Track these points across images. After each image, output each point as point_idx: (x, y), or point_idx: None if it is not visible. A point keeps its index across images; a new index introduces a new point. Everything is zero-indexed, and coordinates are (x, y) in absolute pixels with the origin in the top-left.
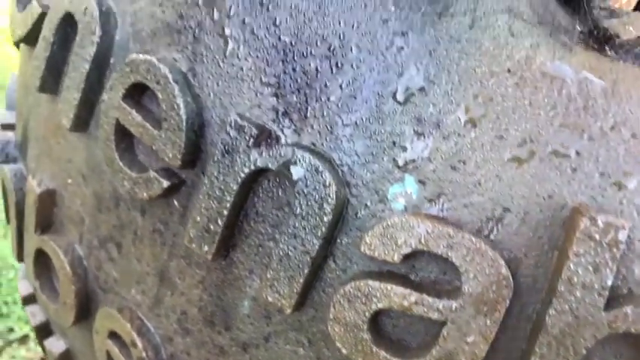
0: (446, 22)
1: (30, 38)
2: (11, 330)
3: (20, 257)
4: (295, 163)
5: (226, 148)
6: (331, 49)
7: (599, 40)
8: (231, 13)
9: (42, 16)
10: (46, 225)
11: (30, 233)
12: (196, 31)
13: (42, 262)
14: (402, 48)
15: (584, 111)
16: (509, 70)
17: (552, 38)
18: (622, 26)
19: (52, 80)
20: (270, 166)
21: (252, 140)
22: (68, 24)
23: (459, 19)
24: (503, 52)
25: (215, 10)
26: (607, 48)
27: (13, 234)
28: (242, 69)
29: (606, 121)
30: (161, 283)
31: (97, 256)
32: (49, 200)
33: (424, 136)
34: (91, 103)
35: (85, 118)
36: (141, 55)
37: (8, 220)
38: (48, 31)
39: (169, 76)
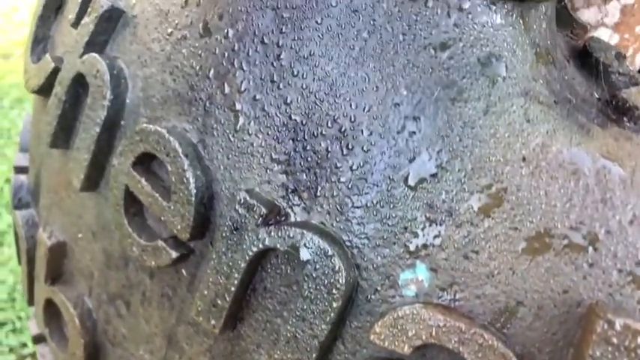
0: (459, 108)
1: (43, 90)
2: (24, 345)
3: (31, 302)
4: (304, 245)
5: (235, 225)
6: (342, 130)
7: (618, 109)
8: (242, 89)
9: (55, 71)
10: (56, 276)
11: (40, 282)
12: (207, 103)
13: (51, 311)
14: (414, 133)
15: (602, 203)
16: (524, 159)
17: (569, 120)
18: None
19: (63, 137)
20: (278, 246)
21: (260, 219)
22: (80, 84)
23: (473, 104)
24: (518, 139)
25: (226, 84)
26: (625, 119)
27: (24, 279)
28: (252, 144)
29: (625, 214)
30: (169, 345)
31: (106, 311)
32: (59, 252)
33: (436, 223)
34: (101, 164)
35: (95, 179)
36: (151, 126)
37: (20, 262)
38: (60, 88)
39: (179, 149)
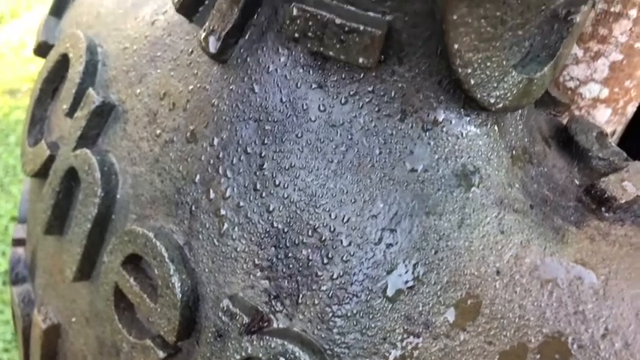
0: (435, 221)
1: (39, 175)
2: None
3: None
4: (285, 356)
5: (218, 332)
6: (322, 240)
7: (597, 199)
8: (227, 195)
9: (50, 158)
10: (50, 358)
11: None
12: (193, 207)
13: None
14: (391, 245)
15: (575, 316)
16: (498, 272)
17: (544, 226)
18: (619, 187)
19: (57, 225)
20: (260, 356)
21: (243, 328)
22: (72, 177)
23: (447, 217)
24: (492, 252)
25: (211, 190)
26: (604, 209)
27: (20, 357)
28: (236, 249)
29: (597, 328)
30: None
31: None
32: (53, 334)
33: (414, 335)
34: (93, 258)
35: (87, 270)
36: (139, 228)
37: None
38: (54, 179)
39: (165, 254)
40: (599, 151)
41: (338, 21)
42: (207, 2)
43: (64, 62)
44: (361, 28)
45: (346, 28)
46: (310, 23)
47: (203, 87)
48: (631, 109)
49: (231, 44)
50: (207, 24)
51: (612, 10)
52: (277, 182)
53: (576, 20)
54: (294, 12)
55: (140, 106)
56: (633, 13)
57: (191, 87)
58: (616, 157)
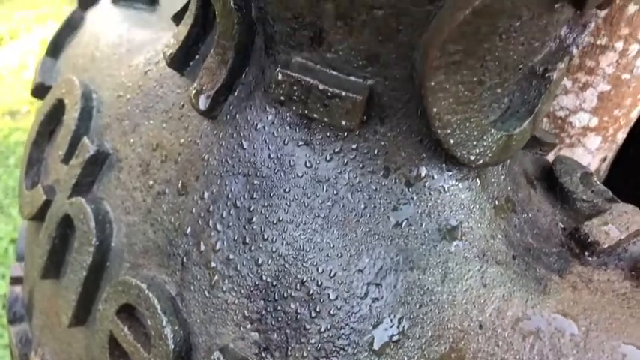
0: (419, 275)
1: (36, 219)
2: None
3: None
4: None
5: None
6: (310, 293)
7: (580, 244)
8: (217, 248)
9: (47, 203)
10: None
11: None
12: (184, 259)
13: None
14: (377, 299)
15: None
16: (480, 326)
17: (527, 277)
18: (602, 231)
19: (53, 269)
20: None
21: None
22: (68, 225)
23: (431, 271)
24: (475, 305)
25: (202, 242)
26: (587, 254)
27: None
28: (227, 301)
29: None
30: None
31: None
32: None
33: None
34: (88, 304)
35: (82, 316)
36: (132, 279)
37: None
38: (50, 224)
39: (158, 306)
40: (584, 193)
41: (321, 86)
42: (197, 57)
43: (59, 106)
44: (343, 93)
45: (329, 93)
46: (295, 88)
47: (194, 141)
48: (621, 136)
49: (221, 101)
50: (196, 82)
51: (598, 43)
52: (266, 236)
53: (553, 77)
54: (279, 77)
55: (134, 156)
56: (619, 45)
57: (182, 140)
58: (600, 200)
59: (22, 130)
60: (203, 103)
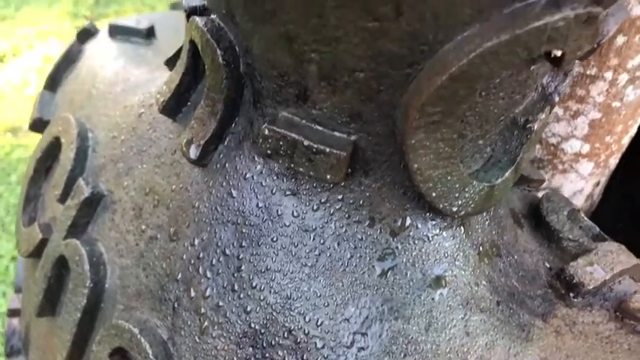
0: (403, 324)
1: (32, 256)
2: None
3: None
4: None
5: None
6: (297, 342)
7: (566, 284)
8: (207, 295)
9: (43, 242)
10: None
11: None
12: (175, 304)
13: None
14: (363, 348)
15: None
16: None
17: (510, 324)
18: (587, 272)
19: (49, 308)
20: None
21: None
22: (63, 265)
23: (415, 320)
24: (458, 354)
25: (192, 289)
26: (572, 295)
27: None
28: (216, 347)
29: None
30: None
31: None
32: None
33: None
34: (83, 345)
35: (77, 357)
36: (125, 323)
37: None
38: (46, 263)
39: (149, 350)
40: (570, 232)
41: (306, 142)
42: (188, 104)
43: (56, 144)
44: (327, 150)
45: (314, 149)
46: (281, 143)
47: (185, 188)
48: (613, 162)
49: (211, 151)
50: (187, 132)
51: (588, 72)
52: (254, 284)
53: (535, 128)
54: (266, 132)
55: (127, 199)
56: (609, 75)
57: (174, 186)
58: (585, 239)
59: (23, 147)
60: (194, 152)
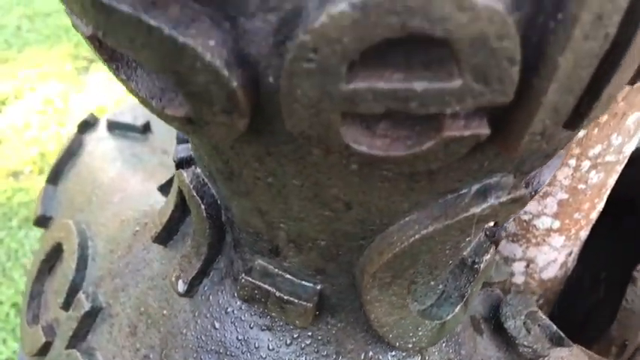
0: None
1: (37, 355)
2: None
3: None
4: None
5: None
6: None
7: None
8: None
9: (46, 345)
10: None
11: None
12: None
13: None
14: None
15: None
16: None
17: None
18: None
19: None
20: None
21: None
22: None
23: None
24: None
25: None
26: None
27: None
28: None
29: None
30: None
31: None
32: None
33: None
34: None
35: None
36: None
37: None
38: None
39: None
40: (525, 338)
41: (277, 294)
42: (178, 234)
43: (58, 249)
44: (296, 301)
45: (284, 300)
46: (256, 292)
47: (174, 315)
48: (584, 234)
49: (196, 284)
50: (176, 268)
51: None
52: None
53: (481, 268)
54: (243, 281)
55: (124, 315)
56: (572, 162)
57: (165, 312)
58: (539, 345)
59: (24, 190)
60: (182, 287)
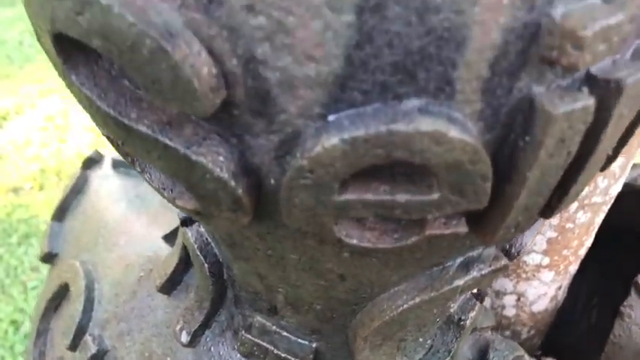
0: None
1: None
2: None
3: None
4: None
5: None
6: None
7: None
8: None
9: None
10: None
11: None
12: None
13: None
14: None
15: None
16: None
17: None
18: None
19: None
20: None
21: None
22: None
23: None
24: None
25: None
26: None
27: None
28: None
29: None
30: None
31: None
32: None
33: None
34: None
35: None
36: None
37: None
38: None
39: None
40: None
41: (275, 351)
42: (182, 284)
43: (65, 288)
44: (292, 359)
45: (282, 357)
46: (255, 348)
47: None
48: (573, 268)
49: (199, 335)
50: (179, 320)
51: None
52: None
53: (467, 324)
54: (243, 338)
55: (128, 359)
56: None
57: (168, 359)
58: None
59: (24, 207)
60: (185, 338)
